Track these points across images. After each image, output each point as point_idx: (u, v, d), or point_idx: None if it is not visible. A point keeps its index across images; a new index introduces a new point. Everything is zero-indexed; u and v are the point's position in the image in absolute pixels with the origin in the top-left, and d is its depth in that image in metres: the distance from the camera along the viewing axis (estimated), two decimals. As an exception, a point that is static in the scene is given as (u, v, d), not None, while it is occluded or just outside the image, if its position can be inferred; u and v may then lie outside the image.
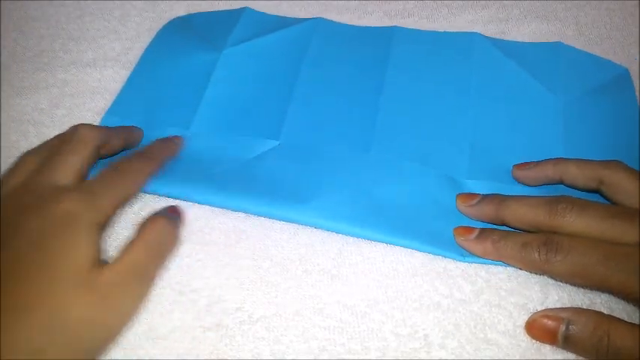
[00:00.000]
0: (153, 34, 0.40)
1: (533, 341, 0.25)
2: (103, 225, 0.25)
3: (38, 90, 0.37)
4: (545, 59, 0.37)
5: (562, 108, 0.34)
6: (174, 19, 0.42)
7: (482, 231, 0.28)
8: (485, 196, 0.29)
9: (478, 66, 0.37)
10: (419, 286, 0.27)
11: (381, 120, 0.34)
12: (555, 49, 0.38)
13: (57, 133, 0.34)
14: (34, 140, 0.34)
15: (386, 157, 0.32)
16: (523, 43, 0.38)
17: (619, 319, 0.24)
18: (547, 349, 0.25)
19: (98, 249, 0.24)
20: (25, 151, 0.34)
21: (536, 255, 0.26)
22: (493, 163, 0.32)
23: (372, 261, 0.28)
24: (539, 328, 0.25)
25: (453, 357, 0.25)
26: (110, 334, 0.24)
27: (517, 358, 0.25)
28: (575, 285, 0.27)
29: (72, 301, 0.22)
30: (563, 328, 0.25)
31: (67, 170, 0.27)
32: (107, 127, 0.31)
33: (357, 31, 0.40)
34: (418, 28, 0.40)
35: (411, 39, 0.38)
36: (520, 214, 0.27)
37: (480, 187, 0.31)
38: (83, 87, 0.37)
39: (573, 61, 0.37)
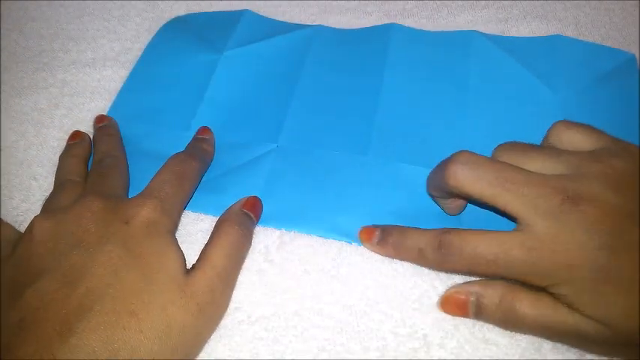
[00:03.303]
0: (153, 34, 0.40)
1: (533, 341, 0.25)
2: (175, 231, 0.27)
3: (38, 90, 0.37)
4: (544, 54, 0.37)
5: (560, 104, 0.34)
6: (173, 18, 0.42)
7: (383, 233, 0.28)
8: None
9: (476, 64, 0.36)
10: (418, 286, 0.27)
11: (379, 122, 0.34)
12: (555, 42, 0.37)
13: (56, 133, 0.35)
14: (33, 140, 0.34)
15: (384, 160, 0.32)
16: (522, 38, 0.38)
17: (525, 289, 0.24)
18: (547, 349, 0.25)
19: (183, 255, 0.25)
20: (24, 151, 0.34)
21: (432, 259, 0.26)
22: None
23: (372, 261, 0.28)
24: (451, 303, 0.26)
25: (452, 357, 0.25)
26: (201, 340, 0.25)
27: (516, 358, 0.25)
28: (484, 276, 0.26)
29: (173, 307, 0.23)
30: (472, 299, 0.25)
31: (117, 182, 0.28)
32: (112, 139, 0.33)
33: (356, 33, 0.39)
34: (418, 28, 0.39)
35: (408, 38, 0.38)
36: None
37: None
38: (82, 87, 0.37)
39: (574, 53, 0.37)
